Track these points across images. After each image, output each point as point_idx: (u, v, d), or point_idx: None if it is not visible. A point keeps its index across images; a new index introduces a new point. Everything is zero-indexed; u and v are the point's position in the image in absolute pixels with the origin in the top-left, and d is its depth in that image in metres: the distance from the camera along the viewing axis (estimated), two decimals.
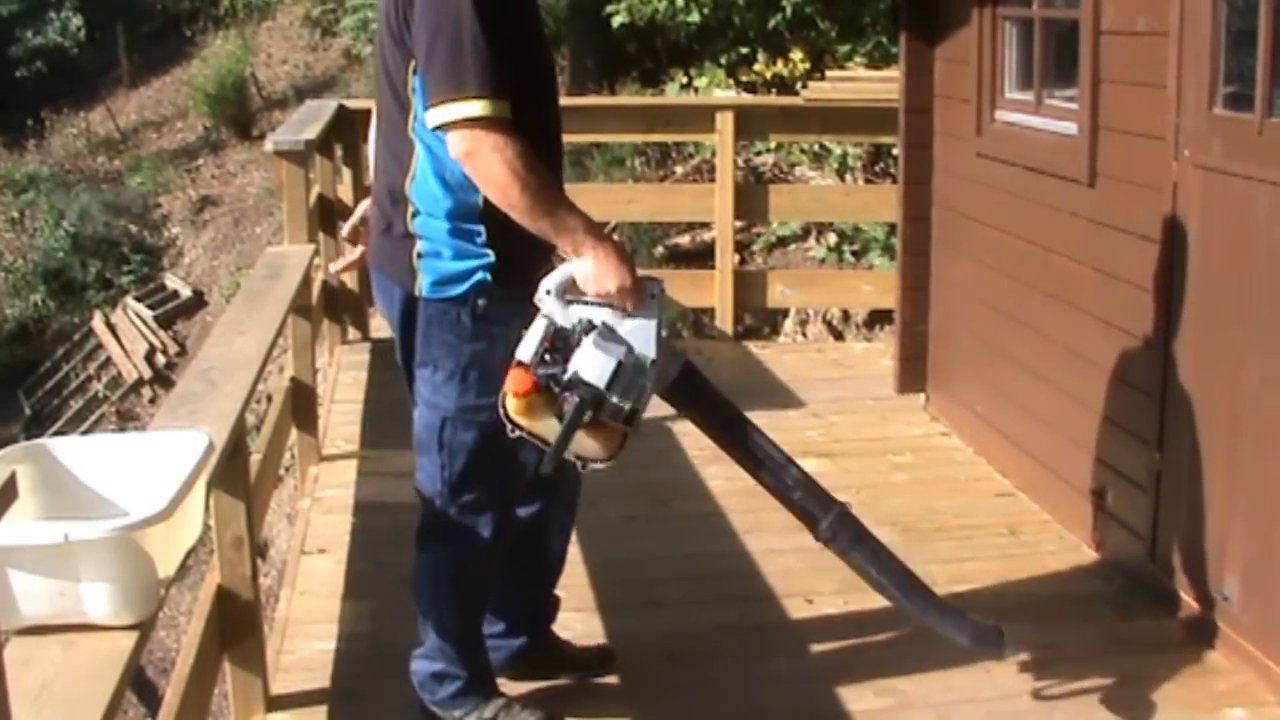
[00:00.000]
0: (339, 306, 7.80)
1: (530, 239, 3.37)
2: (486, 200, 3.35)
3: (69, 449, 2.78)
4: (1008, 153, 5.54)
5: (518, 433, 3.37)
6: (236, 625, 3.73)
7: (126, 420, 15.23)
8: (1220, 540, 4.19)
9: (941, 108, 6.25)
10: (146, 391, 15.72)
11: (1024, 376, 5.46)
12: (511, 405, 3.35)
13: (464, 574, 3.78)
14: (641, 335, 3.41)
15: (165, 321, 16.56)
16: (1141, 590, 4.60)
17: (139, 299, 16.97)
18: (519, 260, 3.46)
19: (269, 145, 6.53)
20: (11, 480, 2.02)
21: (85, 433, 13.30)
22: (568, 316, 3.38)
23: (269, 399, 8.64)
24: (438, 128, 3.25)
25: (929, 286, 6.41)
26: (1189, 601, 4.35)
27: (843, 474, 5.67)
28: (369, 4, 17.00)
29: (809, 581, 4.74)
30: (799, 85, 11.00)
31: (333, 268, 4.11)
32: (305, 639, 4.42)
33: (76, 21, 23.08)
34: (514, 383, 3.33)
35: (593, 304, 3.40)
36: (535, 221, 3.29)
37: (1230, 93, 4.11)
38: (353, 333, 7.97)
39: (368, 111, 3.89)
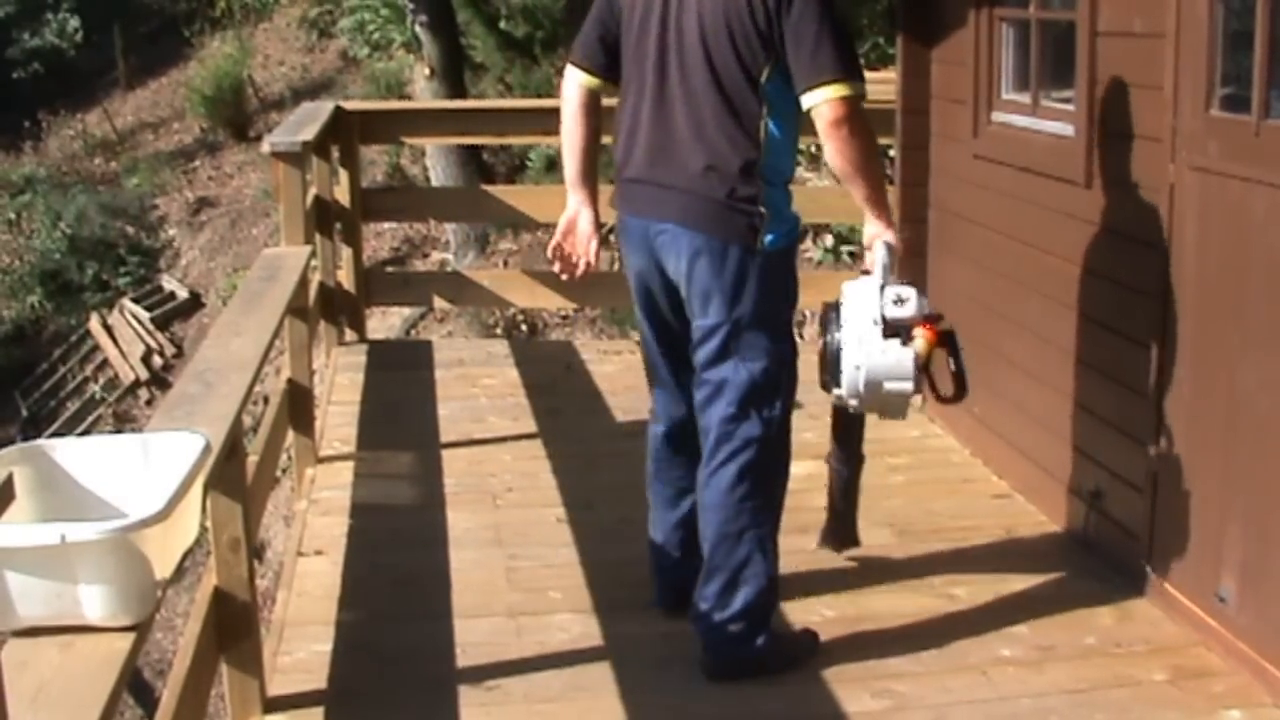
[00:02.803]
0: (336, 308, 7.80)
1: None
2: (791, 171, 4.14)
3: (66, 451, 2.78)
4: (1004, 154, 5.54)
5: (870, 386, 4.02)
6: (233, 627, 3.73)
7: (123, 422, 15.25)
8: (1217, 541, 4.19)
9: (938, 109, 6.25)
10: (143, 393, 15.73)
11: (1020, 378, 5.46)
12: (922, 352, 4.00)
13: (783, 492, 4.30)
14: None
15: (162, 323, 16.57)
16: (1138, 592, 4.60)
17: (136, 300, 16.98)
18: None
19: (265, 147, 6.52)
20: (8, 482, 2.02)
21: (82, 434, 13.30)
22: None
23: (266, 401, 8.65)
24: (819, 103, 3.85)
25: (925, 288, 6.40)
26: (1185, 603, 4.35)
27: None
28: (366, 6, 16.99)
29: (805, 584, 4.74)
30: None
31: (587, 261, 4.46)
32: (302, 640, 4.42)
33: (74, 23, 23.11)
34: (926, 334, 4.02)
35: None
36: (873, 188, 4.05)
37: (1227, 94, 4.11)
38: (349, 334, 7.97)
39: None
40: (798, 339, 4.17)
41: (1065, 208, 5.05)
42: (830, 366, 4.09)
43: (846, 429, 4.52)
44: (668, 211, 4.06)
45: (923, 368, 4.04)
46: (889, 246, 4.12)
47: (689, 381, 4.24)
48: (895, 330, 3.98)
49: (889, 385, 4.00)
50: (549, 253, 4.42)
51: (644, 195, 4.14)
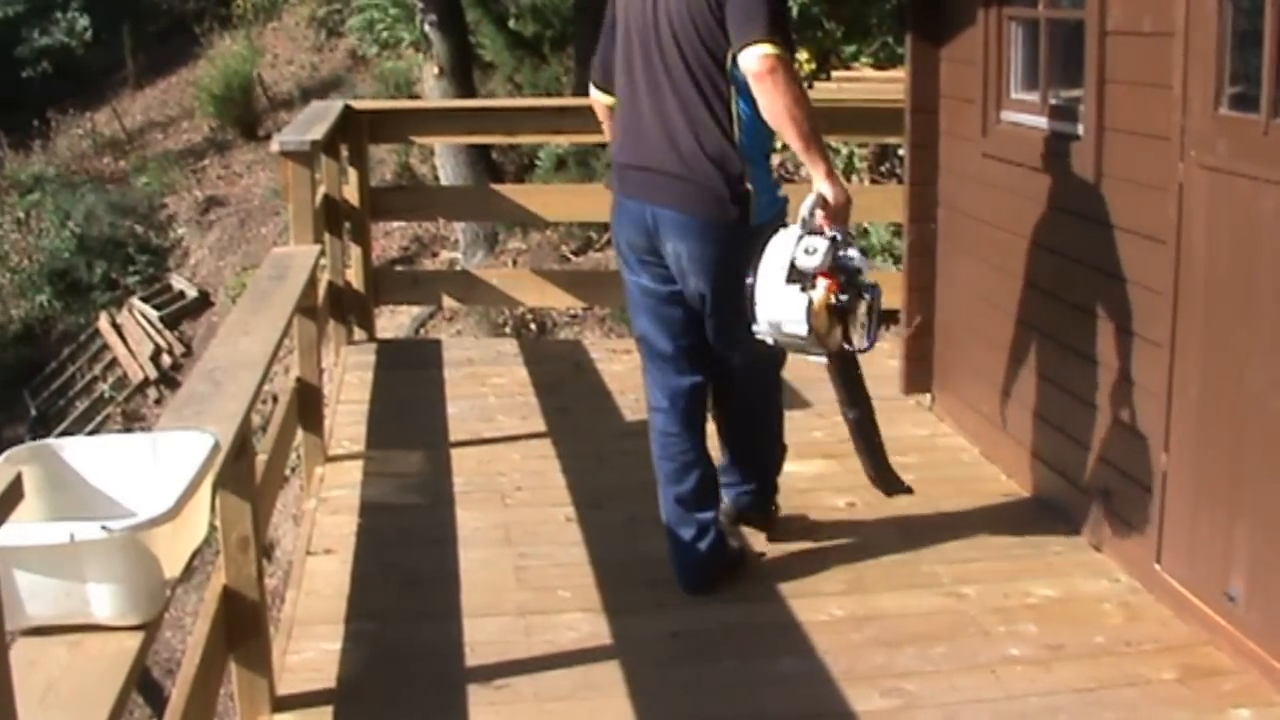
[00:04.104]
0: (345, 307, 7.80)
1: None
2: (769, 148, 4.51)
3: (75, 450, 2.79)
4: (1013, 153, 5.54)
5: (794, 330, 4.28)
6: (242, 626, 3.73)
7: (132, 421, 15.25)
8: (1226, 540, 4.19)
9: (947, 108, 6.24)
10: (152, 392, 15.74)
11: (1029, 377, 5.45)
12: (819, 302, 4.22)
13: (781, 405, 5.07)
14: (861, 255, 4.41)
15: (171, 322, 16.58)
16: (1147, 590, 4.60)
17: (145, 299, 17.00)
18: None
19: (274, 146, 6.52)
20: (18, 481, 2.02)
21: (91, 433, 13.31)
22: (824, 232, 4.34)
23: (274, 400, 8.65)
24: (749, 59, 4.19)
25: (934, 287, 6.41)
26: (1195, 601, 4.35)
27: (848, 475, 5.65)
28: (375, 4, 16.99)
29: (814, 582, 4.75)
30: (805, 85, 10.97)
31: None
32: (311, 639, 4.42)
33: (83, 22, 23.13)
34: (827, 284, 4.23)
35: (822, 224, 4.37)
36: (807, 140, 4.28)
37: (1236, 93, 4.10)
38: (358, 333, 7.97)
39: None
40: None
41: (1074, 206, 5.04)
42: (749, 307, 4.33)
43: (841, 373, 4.78)
44: (666, 196, 4.44)
45: (834, 315, 4.29)
46: (818, 197, 4.35)
47: (684, 350, 4.67)
48: (799, 277, 4.24)
49: (786, 328, 4.28)
50: None
51: (642, 180, 4.52)
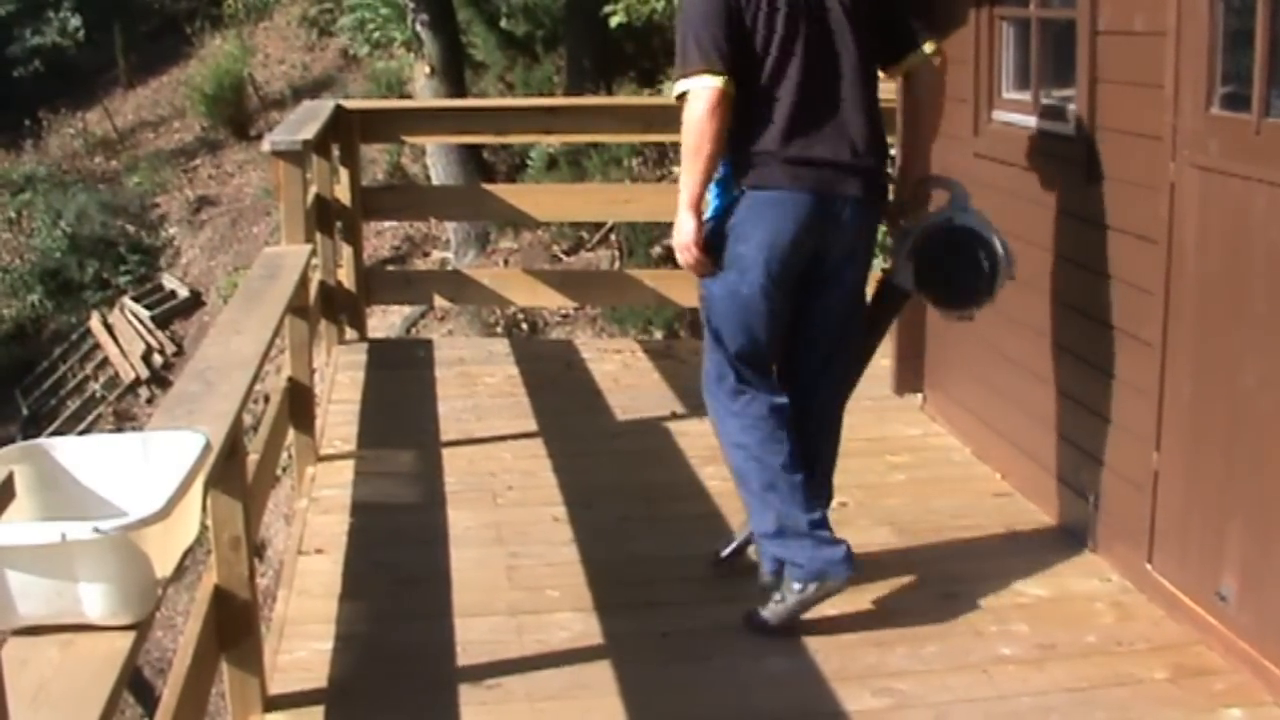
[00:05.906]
0: (336, 306, 7.80)
1: None
2: None
3: (66, 449, 2.78)
4: (1005, 153, 5.53)
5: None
6: (234, 625, 3.73)
7: (123, 420, 15.26)
8: (1218, 540, 4.19)
9: None
10: (144, 391, 15.74)
11: (1021, 376, 5.45)
12: None
13: None
14: None
15: (162, 322, 16.59)
16: (1139, 590, 4.60)
17: (136, 299, 17.00)
18: None
19: (266, 145, 6.50)
20: (9, 480, 2.02)
21: (82, 433, 13.31)
22: None
23: (266, 399, 8.65)
24: (932, 52, 4.55)
25: None
26: (1186, 601, 4.35)
27: (840, 474, 5.62)
28: (366, 4, 16.99)
29: None
30: None
31: None
32: (302, 639, 4.42)
33: (75, 21, 23.11)
34: None
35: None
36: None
37: (1227, 93, 4.11)
38: (350, 333, 7.96)
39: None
40: None
41: (1066, 206, 5.04)
42: (989, 279, 4.63)
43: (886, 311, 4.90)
44: (848, 187, 4.39)
45: None
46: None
47: (775, 353, 4.52)
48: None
49: (1011, 274, 4.67)
50: (688, 261, 4.42)
51: (819, 175, 4.36)
